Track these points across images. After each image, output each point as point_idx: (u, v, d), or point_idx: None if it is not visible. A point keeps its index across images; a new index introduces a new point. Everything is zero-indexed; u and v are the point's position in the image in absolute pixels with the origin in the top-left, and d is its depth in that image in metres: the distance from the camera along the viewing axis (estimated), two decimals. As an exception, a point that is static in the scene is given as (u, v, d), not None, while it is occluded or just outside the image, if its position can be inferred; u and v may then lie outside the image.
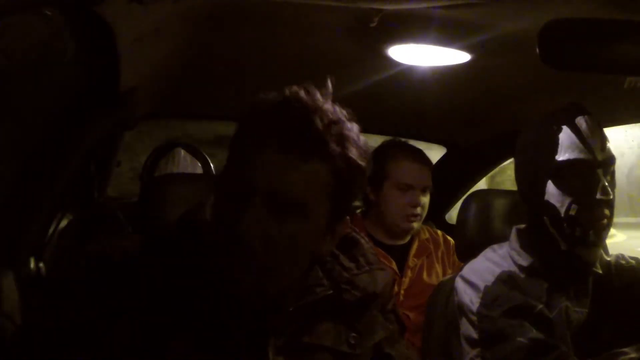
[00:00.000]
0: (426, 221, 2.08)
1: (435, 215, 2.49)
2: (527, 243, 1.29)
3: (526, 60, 1.21)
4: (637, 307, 1.24)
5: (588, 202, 1.18)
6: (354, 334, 0.91)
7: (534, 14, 1.03)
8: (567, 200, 1.19)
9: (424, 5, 1.03)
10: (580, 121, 1.21)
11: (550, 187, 1.21)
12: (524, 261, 1.26)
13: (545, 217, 1.24)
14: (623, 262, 1.31)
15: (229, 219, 0.78)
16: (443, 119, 2.09)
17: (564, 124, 1.22)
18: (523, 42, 1.12)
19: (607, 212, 1.19)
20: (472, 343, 1.23)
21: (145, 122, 2.11)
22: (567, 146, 1.20)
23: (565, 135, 1.20)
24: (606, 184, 1.18)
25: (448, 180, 2.43)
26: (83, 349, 0.76)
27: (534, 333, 1.15)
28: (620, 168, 1.38)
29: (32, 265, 1.17)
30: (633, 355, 1.08)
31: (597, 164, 1.19)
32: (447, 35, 1.23)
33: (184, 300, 0.80)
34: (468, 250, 1.46)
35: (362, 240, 1.00)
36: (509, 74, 1.51)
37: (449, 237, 1.99)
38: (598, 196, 1.17)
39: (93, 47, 0.92)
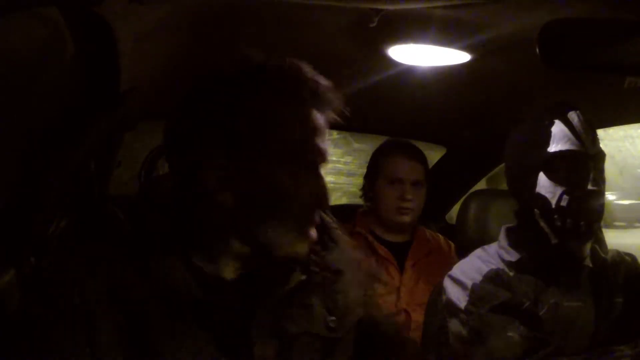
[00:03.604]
0: (427, 222, 2.08)
1: (436, 216, 2.50)
2: (515, 240, 1.29)
3: (526, 60, 1.21)
4: (634, 303, 1.24)
5: (579, 193, 1.18)
6: (332, 317, 0.91)
7: (534, 14, 1.03)
8: (559, 191, 1.19)
9: (424, 5, 1.03)
10: (572, 115, 1.22)
11: (542, 178, 1.22)
12: (512, 257, 1.27)
13: (535, 210, 1.24)
14: (618, 258, 1.32)
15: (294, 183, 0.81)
16: (443, 119, 2.09)
17: (556, 118, 1.22)
18: (523, 42, 1.12)
19: (598, 203, 1.19)
20: (462, 341, 1.23)
21: (145, 122, 2.11)
22: (559, 138, 1.21)
23: (558, 127, 1.21)
24: (597, 176, 1.18)
25: (448, 180, 2.43)
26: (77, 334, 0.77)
27: (524, 329, 1.15)
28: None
29: (32, 265, 1.17)
30: (628, 351, 1.09)
31: (588, 156, 1.19)
32: (447, 35, 1.23)
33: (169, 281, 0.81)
34: (468, 250, 1.46)
35: (326, 219, 0.99)
36: (509, 74, 1.51)
37: (449, 241, 2.00)
38: (589, 187, 1.17)
39: (93, 47, 0.92)
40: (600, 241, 1.31)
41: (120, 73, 1.02)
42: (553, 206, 1.20)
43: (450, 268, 1.92)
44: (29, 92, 0.88)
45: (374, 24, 1.10)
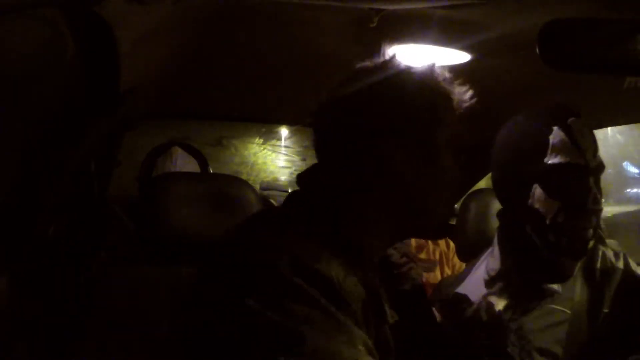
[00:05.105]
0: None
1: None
2: (503, 244, 1.23)
3: (526, 60, 1.21)
4: (622, 313, 1.15)
5: (578, 210, 1.09)
6: None
7: (534, 14, 1.03)
8: (555, 207, 1.09)
9: (424, 5, 1.03)
10: (574, 122, 1.11)
11: (537, 191, 1.11)
12: (492, 269, 1.21)
13: (527, 224, 1.14)
14: (610, 265, 1.21)
15: None
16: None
17: (554, 124, 1.12)
18: (523, 42, 1.12)
19: (594, 222, 1.10)
20: None
21: (145, 122, 2.11)
22: (558, 148, 1.10)
23: (556, 136, 1.10)
24: (597, 193, 1.09)
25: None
26: None
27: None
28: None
29: (31, 265, 1.17)
30: None
31: (589, 170, 1.10)
32: (447, 35, 1.23)
33: None
34: (467, 250, 1.46)
35: None
36: (509, 74, 1.51)
37: (449, 240, 2.00)
38: (589, 205, 1.08)
39: (93, 47, 0.92)
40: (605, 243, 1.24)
41: (120, 73, 1.02)
42: (548, 222, 1.10)
43: (450, 269, 1.92)
44: (29, 93, 0.88)
45: (374, 24, 1.10)
